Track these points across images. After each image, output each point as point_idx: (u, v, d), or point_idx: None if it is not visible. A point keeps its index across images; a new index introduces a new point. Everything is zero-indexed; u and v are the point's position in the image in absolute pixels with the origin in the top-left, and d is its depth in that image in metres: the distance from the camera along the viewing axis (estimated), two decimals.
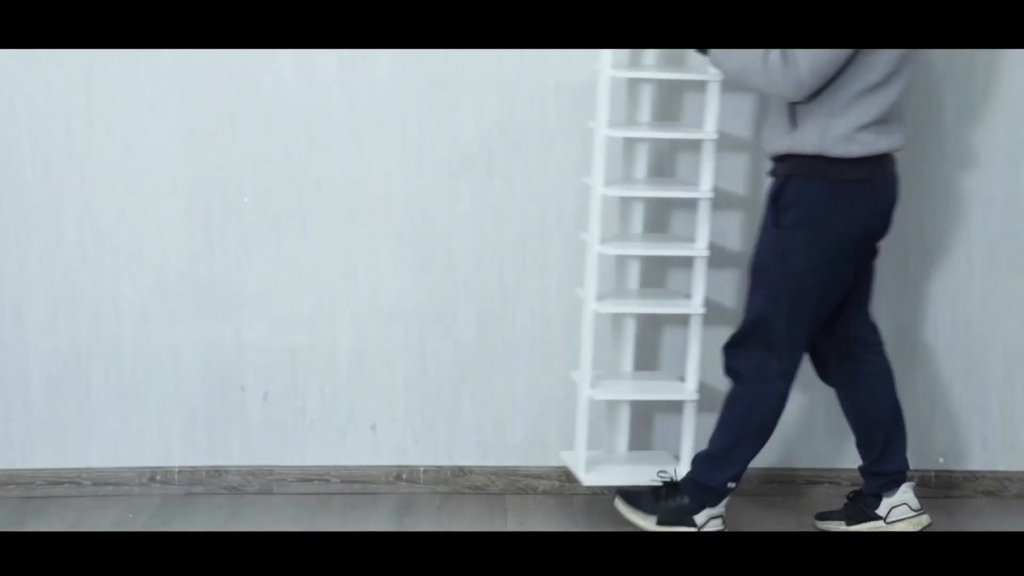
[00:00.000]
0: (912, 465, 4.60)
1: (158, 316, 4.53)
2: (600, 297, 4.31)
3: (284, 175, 4.51)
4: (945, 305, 4.58)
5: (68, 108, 4.46)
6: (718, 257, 4.44)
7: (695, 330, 4.35)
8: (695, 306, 4.31)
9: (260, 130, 4.49)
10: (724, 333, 4.26)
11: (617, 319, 4.47)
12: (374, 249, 4.54)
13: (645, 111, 4.37)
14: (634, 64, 4.35)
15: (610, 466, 4.40)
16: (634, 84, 4.37)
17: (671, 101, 4.43)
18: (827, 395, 4.58)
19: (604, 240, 4.29)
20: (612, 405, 4.48)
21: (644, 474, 4.31)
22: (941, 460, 4.62)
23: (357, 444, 4.61)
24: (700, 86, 4.35)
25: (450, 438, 4.59)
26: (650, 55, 4.35)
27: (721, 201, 4.40)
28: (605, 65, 4.19)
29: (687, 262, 4.40)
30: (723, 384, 4.28)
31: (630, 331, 4.47)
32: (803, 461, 4.62)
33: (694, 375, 4.37)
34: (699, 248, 4.29)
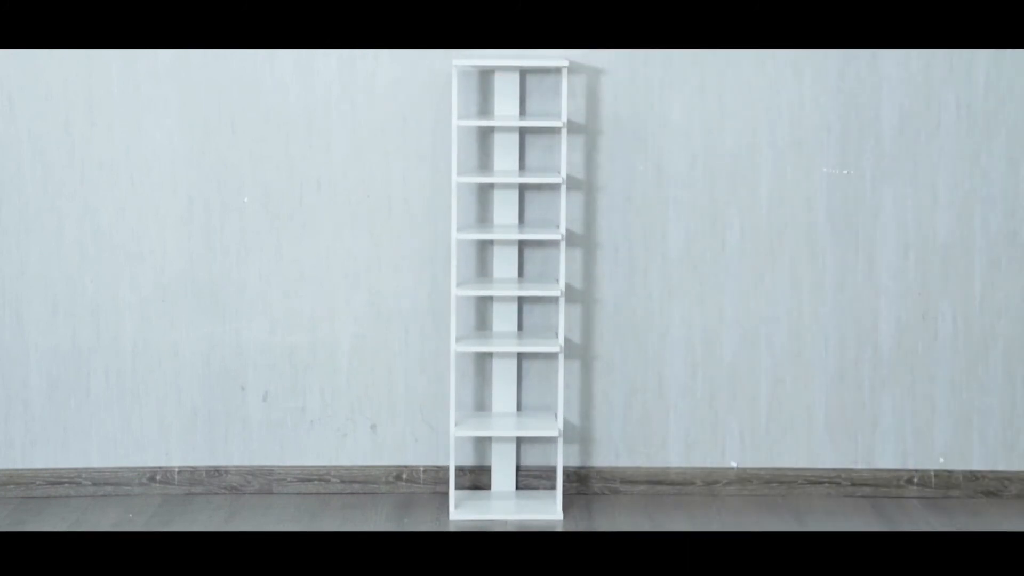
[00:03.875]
0: (912, 465, 4.60)
1: (158, 316, 4.53)
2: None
3: (284, 175, 4.51)
4: (945, 305, 4.58)
5: (68, 108, 4.46)
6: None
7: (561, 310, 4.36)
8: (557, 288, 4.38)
9: (260, 130, 4.49)
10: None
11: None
12: (374, 249, 4.54)
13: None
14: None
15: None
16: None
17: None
18: (827, 395, 4.58)
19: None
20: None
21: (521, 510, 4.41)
22: (941, 460, 4.62)
23: (357, 444, 4.61)
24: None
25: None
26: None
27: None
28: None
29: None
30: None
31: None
32: (803, 461, 4.62)
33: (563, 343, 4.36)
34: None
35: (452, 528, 4.33)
